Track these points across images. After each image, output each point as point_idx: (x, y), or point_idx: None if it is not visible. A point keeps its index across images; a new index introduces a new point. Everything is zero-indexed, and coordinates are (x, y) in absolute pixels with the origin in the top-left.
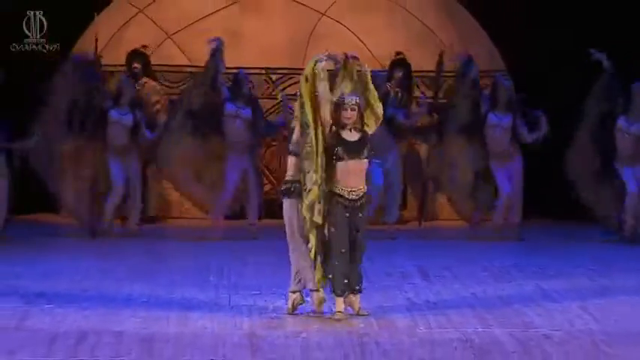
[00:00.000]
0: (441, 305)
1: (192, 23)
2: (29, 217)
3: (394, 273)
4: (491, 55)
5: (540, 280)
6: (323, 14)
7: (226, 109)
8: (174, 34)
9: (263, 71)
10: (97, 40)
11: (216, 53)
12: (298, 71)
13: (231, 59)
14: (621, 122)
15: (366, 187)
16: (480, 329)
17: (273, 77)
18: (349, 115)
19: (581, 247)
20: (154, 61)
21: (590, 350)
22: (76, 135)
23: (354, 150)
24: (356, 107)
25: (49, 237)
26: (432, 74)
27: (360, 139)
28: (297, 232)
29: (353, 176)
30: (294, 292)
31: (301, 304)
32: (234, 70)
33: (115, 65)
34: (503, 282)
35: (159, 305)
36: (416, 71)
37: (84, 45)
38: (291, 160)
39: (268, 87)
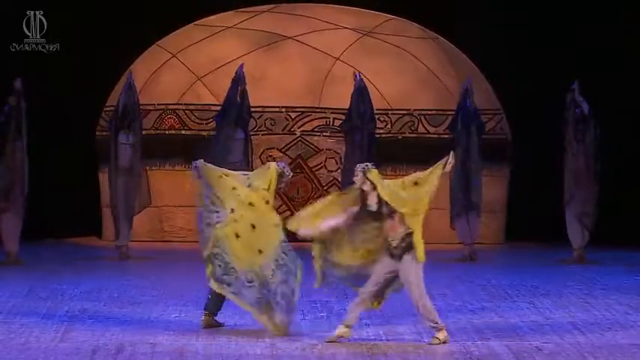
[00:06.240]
0: (444, 320)
1: (219, 67)
2: (72, 240)
3: (402, 292)
4: (487, 94)
5: (533, 298)
6: (337, 59)
7: None
8: (203, 76)
9: (283, 109)
10: None
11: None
12: (315, 109)
13: (255, 99)
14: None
15: None
16: (478, 342)
17: (292, 115)
18: None
19: (567, 268)
20: (185, 100)
21: None
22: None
23: None
24: None
25: (90, 259)
26: (433, 112)
27: None
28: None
29: None
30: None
31: None
32: (258, 108)
33: (152, 104)
34: (500, 299)
35: (189, 320)
36: (419, 109)
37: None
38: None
39: (287, 123)
